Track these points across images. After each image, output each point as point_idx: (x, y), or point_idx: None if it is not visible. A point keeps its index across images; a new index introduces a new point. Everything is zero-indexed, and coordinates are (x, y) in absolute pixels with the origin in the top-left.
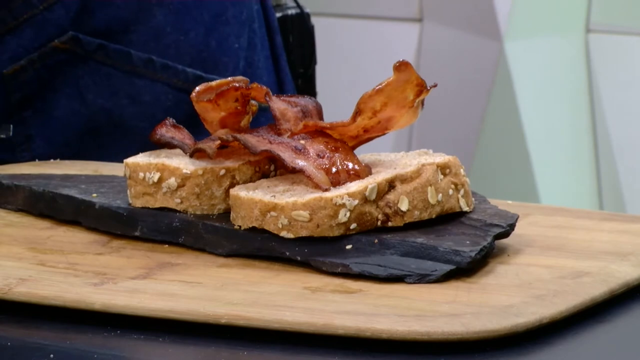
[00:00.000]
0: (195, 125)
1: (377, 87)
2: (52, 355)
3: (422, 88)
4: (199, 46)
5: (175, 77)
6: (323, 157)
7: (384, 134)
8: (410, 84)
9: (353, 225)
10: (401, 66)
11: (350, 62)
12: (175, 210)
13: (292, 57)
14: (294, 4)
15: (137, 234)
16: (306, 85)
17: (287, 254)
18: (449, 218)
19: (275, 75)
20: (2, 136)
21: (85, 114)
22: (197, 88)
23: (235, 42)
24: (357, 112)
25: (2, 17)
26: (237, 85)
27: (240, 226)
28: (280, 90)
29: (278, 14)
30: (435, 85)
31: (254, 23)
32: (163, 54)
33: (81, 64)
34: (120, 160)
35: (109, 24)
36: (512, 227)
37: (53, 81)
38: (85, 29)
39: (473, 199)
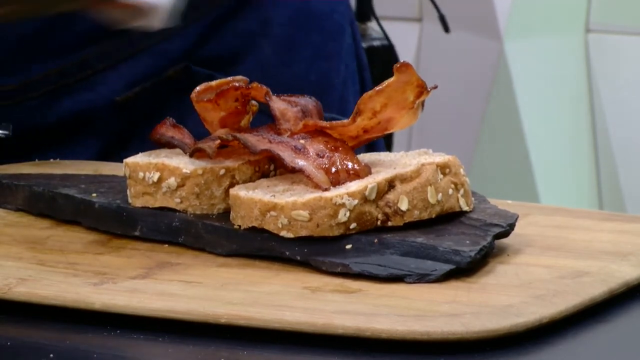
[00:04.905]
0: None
1: (377, 88)
2: (52, 355)
3: (422, 89)
4: (300, 80)
5: None
6: (323, 157)
7: (383, 134)
8: (411, 85)
9: (353, 225)
10: (402, 67)
11: None
12: (175, 210)
13: None
14: (378, 35)
15: (136, 233)
16: None
17: (287, 253)
18: (449, 218)
19: None
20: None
21: None
22: (198, 88)
23: (334, 78)
24: (357, 113)
25: (120, 46)
26: (237, 84)
27: (240, 226)
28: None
29: (363, 45)
30: (435, 87)
31: (349, 58)
32: (265, 86)
33: (186, 92)
34: None
35: (219, 54)
36: (512, 226)
37: (157, 108)
38: (196, 60)
39: (473, 198)
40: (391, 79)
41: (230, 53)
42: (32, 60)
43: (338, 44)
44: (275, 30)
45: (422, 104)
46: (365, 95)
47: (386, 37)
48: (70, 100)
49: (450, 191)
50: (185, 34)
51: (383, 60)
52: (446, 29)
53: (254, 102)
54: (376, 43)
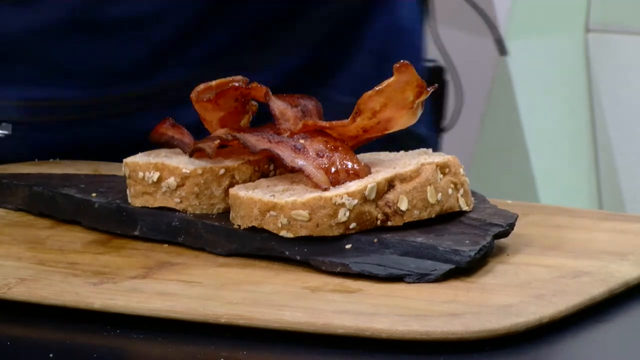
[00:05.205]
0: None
1: (377, 88)
2: (51, 355)
3: (422, 89)
4: None
5: None
6: (322, 157)
7: (383, 134)
8: (411, 85)
9: (352, 225)
10: (402, 67)
11: None
12: (174, 210)
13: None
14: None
15: (136, 233)
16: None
17: (287, 253)
18: (449, 217)
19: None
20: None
21: None
22: (197, 87)
23: None
24: (357, 113)
25: (246, 59)
26: (237, 84)
27: (239, 226)
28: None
29: None
30: (435, 87)
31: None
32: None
33: None
34: None
35: (321, 66)
36: (511, 226)
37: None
38: (297, 70)
39: (472, 198)
40: (391, 79)
41: (329, 65)
42: (160, 68)
43: (420, 61)
44: (369, 44)
45: (422, 103)
46: (365, 95)
47: (445, 56)
48: (188, 111)
49: (450, 191)
50: (302, 49)
51: (434, 83)
52: (502, 51)
53: (253, 102)
54: (427, 64)
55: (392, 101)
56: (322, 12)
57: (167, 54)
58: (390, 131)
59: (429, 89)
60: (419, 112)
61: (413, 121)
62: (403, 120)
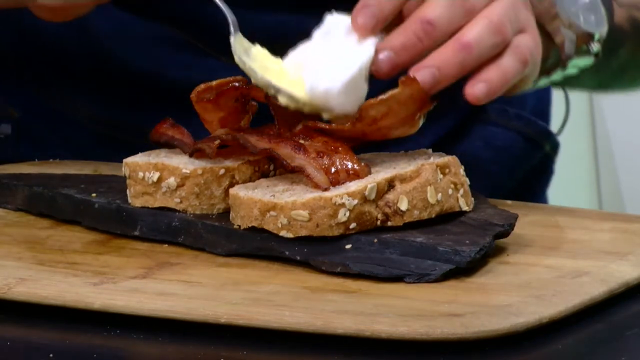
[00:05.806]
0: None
1: (380, 97)
2: (51, 355)
3: (425, 103)
4: (533, 98)
5: (527, 127)
6: (322, 157)
7: (383, 139)
8: (414, 99)
9: (352, 225)
10: (407, 80)
11: None
12: (174, 210)
13: None
14: None
15: (136, 233)
16: None
17: (287, 253)
18: (449, 217)
19: None
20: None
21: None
22: (198, 87)
23: (549, 106)
24: (358, 119)
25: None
26: (237, 85)
27: (239, 226)
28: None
29: None
30: (438, 100)
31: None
32: (510, 104)
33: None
34: None
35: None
36: (511, 226)
37: None
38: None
39: (472, 198)
40: (395, 90)
41: None
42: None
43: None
44: None
45: (424, 115)
46: (368, 102)
47: None
48: None
49: (450, 191)
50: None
51: None
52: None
53: (253, 102)
54: None
55: (394, 111)
56: None
57: None
58: (391, 138)
59: (431, 102)
60: (420, 123)
61: (413, 131)
62: (404, 129)
